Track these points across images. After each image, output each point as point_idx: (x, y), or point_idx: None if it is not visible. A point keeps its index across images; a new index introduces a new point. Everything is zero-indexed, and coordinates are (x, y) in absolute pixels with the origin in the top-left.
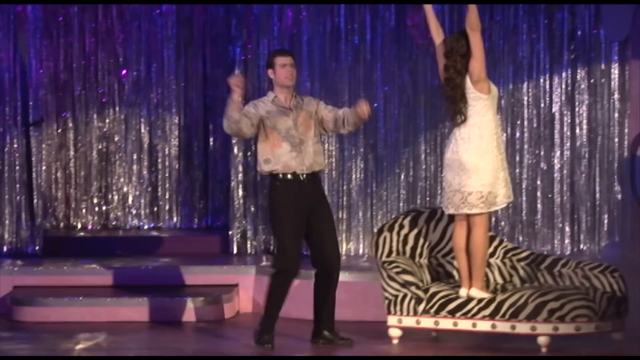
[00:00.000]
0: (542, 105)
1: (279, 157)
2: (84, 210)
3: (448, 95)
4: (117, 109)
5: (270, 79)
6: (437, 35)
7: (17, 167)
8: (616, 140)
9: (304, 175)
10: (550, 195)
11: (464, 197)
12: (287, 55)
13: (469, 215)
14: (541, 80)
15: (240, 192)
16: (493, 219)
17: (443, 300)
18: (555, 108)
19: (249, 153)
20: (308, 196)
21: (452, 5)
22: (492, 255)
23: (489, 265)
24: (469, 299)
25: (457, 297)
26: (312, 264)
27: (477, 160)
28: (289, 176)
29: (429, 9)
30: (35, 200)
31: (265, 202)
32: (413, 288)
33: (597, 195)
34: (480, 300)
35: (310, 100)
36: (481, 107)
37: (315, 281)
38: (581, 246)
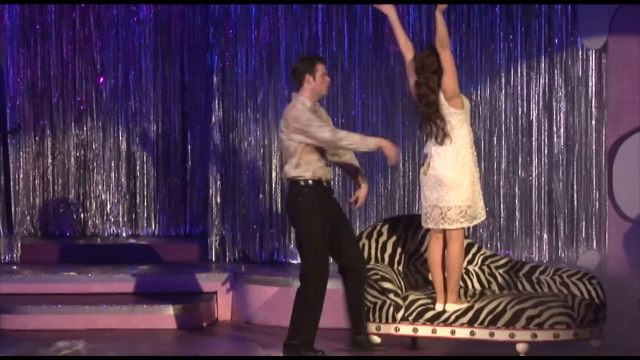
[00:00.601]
0: (520, 112)
1: (309, 163)
2: (61, 218)
3: (422, 112)
4: (94, 116)
5: (304, 83)
6: (407, 49)
7: None
8: (594, 147)
9: (326, 183)
10: (528, 203)
11: (443, 212)
12: (325, 64)
13: (445, 229)
14: (518, 87)
15: (219, 200)
16: (471, 227)
17: (422, 307)
18: (533, 116)
19: (227, 160)
20: (330, 203)
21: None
22: (470, 262)
23: (467, 272)
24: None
25: (435, 304)
26: (339, 271)
27: (455, 175)
28: (315, 182)
29: (395, 21)
30: (13, 208)
31: (244, 209)
32: (392, 295)
33: (575, 202)
34: (458, 308)
35: (323, 112)
36: (456, 122)
37: (344, 288)
38: (559, 253)
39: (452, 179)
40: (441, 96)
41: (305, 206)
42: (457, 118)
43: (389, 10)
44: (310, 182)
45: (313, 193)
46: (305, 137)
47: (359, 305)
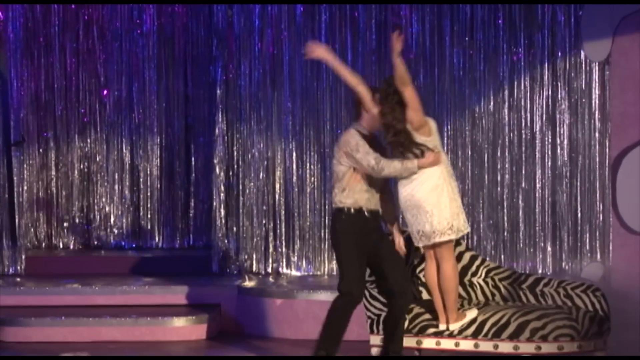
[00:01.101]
0: (523, 124)
1: (353, 191)
2: (65, 230)
3: (392, 141)
4: (98, 128)
5: (362, 112)
6: (356, 84)
7: None
8: (597, 159)
9: (369, 213)
10: (532, 215)
11: (433, 228)
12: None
13: (435, 249)
14: (522, 100)
15: (223, 212)
16: (475, 237)
17: (425, 323)
18: (536, 128)
19: (230, 173)
20: (370, 232)
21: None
22: (474, 274)
23: (471, 284)
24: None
25: (438, 317)
26: (386, 292)
27: (433, 198)
28: (356, 211)
29: (333, 62)
30: (17, 220)
31: (247, 221)
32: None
33: (579, 214)
34: (462, 324)
35: (380, 142)
36: (429, 147)
37: (388, 306)
38: (563, 265)
39: (432, 202)
40: (408, 126)
41: (340, 233)
42: (429, 144)
43: (322, 54)
44: (351, 210)
45: (350, 221)
46: (352, 161)
47: (397, 323)
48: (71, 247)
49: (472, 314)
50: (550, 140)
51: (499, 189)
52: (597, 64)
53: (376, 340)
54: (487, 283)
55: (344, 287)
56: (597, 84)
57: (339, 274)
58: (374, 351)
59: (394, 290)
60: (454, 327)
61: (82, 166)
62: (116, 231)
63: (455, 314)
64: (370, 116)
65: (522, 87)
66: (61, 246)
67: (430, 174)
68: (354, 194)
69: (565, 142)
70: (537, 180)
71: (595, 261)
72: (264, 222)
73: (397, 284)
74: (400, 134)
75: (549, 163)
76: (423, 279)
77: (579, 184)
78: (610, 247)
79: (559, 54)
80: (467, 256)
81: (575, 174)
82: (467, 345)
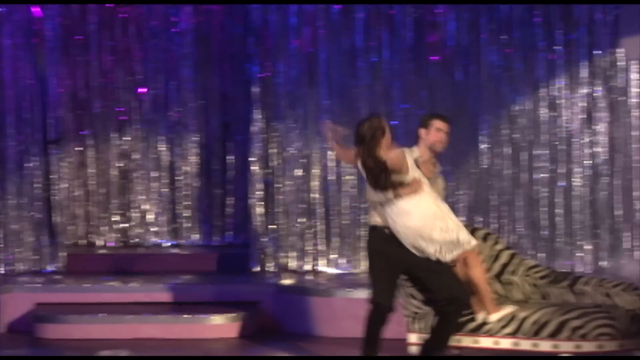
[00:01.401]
0: (561, 123)
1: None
2: (104, 228)
3: (373, 176)
4: (136, 126)
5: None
6: (348, 155)
7: (37, 185)
8: (635, 157)
9: (388, 230)
10: (570, 213)
11: (450, 244)
12: (444, 121)
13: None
14: (559, 98)
15: (260, 210)
16: (514, 236)
17: (465, 318)
18: (574, 126)
19: (268, 170)
20: (397, 246)
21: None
22: (513, 272)
23: (509, 282)
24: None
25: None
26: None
27: (429, 222)
28: (382, 227)
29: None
30: (55, 218)
31: (285, 219)
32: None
33: (617, 212)
34: (501, 318)
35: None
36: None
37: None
38: (602, 263)
39: (429, 226)
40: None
41: (368, 249)
42: (407, 178)
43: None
44: (376, 226)
45: (375, 237)
46: None
47: (444, 325)
48: (109, 244)
49: (510, 307)
50: (588, 139)
51: (537, 187)
52: (635, 61)
53: (413, 338)
54: (525, 281)
55: (371, 298)
56: (635, 82)
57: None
58: (412, 349)
59: (438, 298)
60: (494, 317)
61: (119, 164)
62: (154, 229)
63: (492, 305)
64: (424, 140)
65: (560, 85)
66: (100, 244)
67: (418, 206)
68: (374, 213)
69: (604, 140)
70: (576, 179)
71: (634, 259)
72: (301, 220)
73: (440, 293)
74: (381, 175)
75: (587, 161)
76: None
77: (617, 182)
78: None
79: (597, 52)
80: (505, 254)
81: (613, 171)
82: (506, 343)
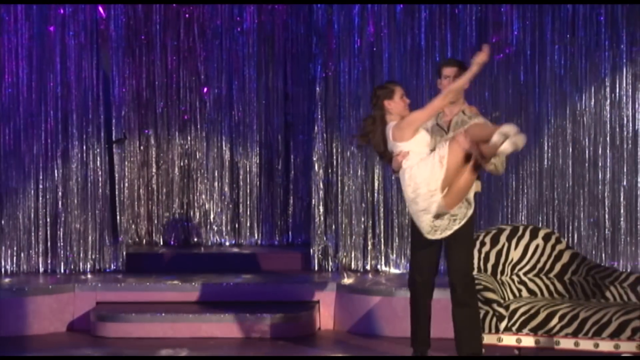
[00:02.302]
0: (625, 121)
1: None
2: (166, 227)
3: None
4: (198, 126)
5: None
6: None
7: (100, 184)
8: None
9: None
10: (633, 213)
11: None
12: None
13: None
14: (624, 96)
15: (321, 209)
16: (576, 236)
17: (524, 317)
18: (638, 125)
19: (329, 170)
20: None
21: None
22: (574, 272)
23: (571, 282)
24: (550, 315)
25: (538, 314)
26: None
27: (411, 196)
28: None
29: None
30: (118, 217)
31: (346, 219)
32: (495, 305)
33: None
34: (562, 317)
35: None
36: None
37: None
38: None
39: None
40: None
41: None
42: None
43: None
44: None
45: None
46: None
47: (455, 320)
48: (171, 243)
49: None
50: None
51: (600, 186)
52: None
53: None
54: (587, 281)
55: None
56: None
57: None
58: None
59: (449, 279)
60: (504, 128)
61: (182, 163)
62: (216, 228)
63: (497, 127)
64: None
65: (624, 84)
66: (161, 243)
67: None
68: None
69: None
70: (639, 178)
71: None
72: (362, 219)
73: (450, 275)
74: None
75: None
76: (523, 277)
77: None
78: None
79: None
80: (567, 254)
81: None
82: (567, 343)
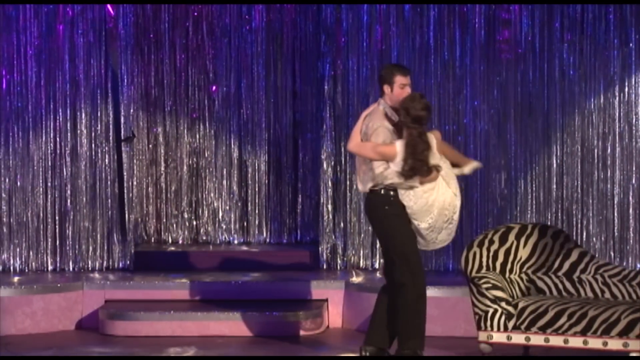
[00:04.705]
0: (634, 120)
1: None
2: (174, 225)
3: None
4: (207, 124)
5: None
6: None
7: (109, 182)
8: None
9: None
10: None
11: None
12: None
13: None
14: (632, 95)
15: (330, 207)
16: (585, 234)
17: (533, 315)
18: None
19: (338, 168)
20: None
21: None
22: (583, 271)
23: (580, 281)
24: (559, 314)
25: (547, 312)
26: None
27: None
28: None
29: None
30: (126, 215)
31: (355, 217)
32: (503, 304)
33: None
34: (571, 316)
35: None
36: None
37: None
38: None
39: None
40: None
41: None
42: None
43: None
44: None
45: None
46: None
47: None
48: (180, 241)
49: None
50: None
51: (609, 185)
52: None
53: (484, 336)
54: (596, 280)
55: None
56: None
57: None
58: (482, 348)
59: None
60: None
61: (190, 161)
62: (224, 226)
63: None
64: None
65: (633, 83)
66: (170, 241)
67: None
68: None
69: None
70: None
71: None
72: None
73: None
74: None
75: None
76: (531, 275)
77: None
78: None
79: None
80: (576, 253)
81: None
82: (576, 342)
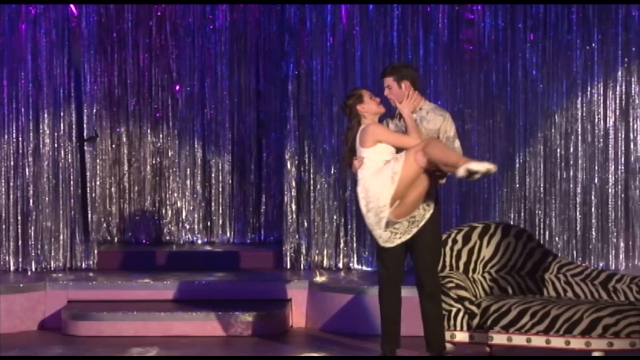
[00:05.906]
0: (596, 120)
1: None
2: (137, 225)
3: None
4: (170, 124)
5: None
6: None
7: (72, 182)
8: None
9: None
10: (604, 211)
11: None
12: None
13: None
14: (595, 95)
15: (294, 207)
16: (547, 234)
17: (496, 314)
18: (610, 123)
19: (302, 168)
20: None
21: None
22: (546, 270)
23: (542, 280)
24: (522, 313)
25: (510, 312)
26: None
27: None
28: None
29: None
30: (89, 215)
31: (319, 217)
32: (466, 303)
33: None
34: (534, 315)
35: None
36: None
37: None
38: (636, 262)
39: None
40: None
41: None
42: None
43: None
44: None
45: None
46: None
47: (425, 320)
48: (143, 241)
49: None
50: (623, 136)
51: (571, 184)
52: None
53: (447, 336)
54: (559, 279)
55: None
56: None
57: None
58: (448, 347)
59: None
60: (472, 165)
61: (154, 161)
62: (188, 226)
63: (462, 158)
64: None
65: (596, 83)
66: (133, 241)
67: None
68: None
69: (639, 137)
70: (610, 176)
71: None
72: (334, 217)
73: (417, 274)
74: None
75: (622, 159)
76: (494, 275)
77: None
78: None
79: (633, 49)
80: (538, 252)
81: None
82: (538, 341)
